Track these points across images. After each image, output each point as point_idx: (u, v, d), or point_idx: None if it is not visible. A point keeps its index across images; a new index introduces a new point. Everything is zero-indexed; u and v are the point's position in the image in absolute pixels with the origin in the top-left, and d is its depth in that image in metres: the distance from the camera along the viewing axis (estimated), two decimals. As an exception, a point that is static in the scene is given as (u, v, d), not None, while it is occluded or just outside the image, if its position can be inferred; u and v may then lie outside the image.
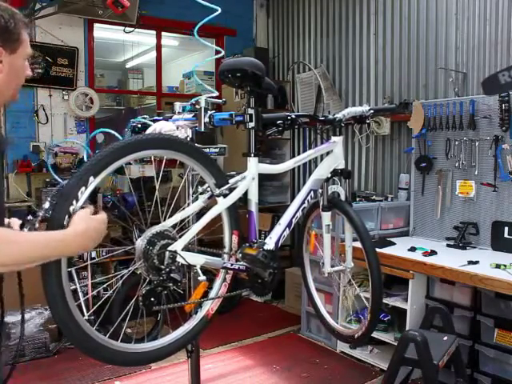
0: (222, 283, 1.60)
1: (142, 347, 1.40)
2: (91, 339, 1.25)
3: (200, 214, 1.52)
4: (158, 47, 5.20)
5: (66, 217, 1.17)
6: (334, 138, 1.88)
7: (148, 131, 2.09)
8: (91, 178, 1.23)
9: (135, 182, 3.58)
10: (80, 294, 3.39)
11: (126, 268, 1.47)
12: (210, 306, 1.58)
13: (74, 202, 1.19)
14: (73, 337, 1.24)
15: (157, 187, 1.80)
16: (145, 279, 1.38)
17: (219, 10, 1.63)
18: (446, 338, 2.46)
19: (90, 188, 1.23)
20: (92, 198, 4.24)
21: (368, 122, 1.88)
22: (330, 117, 1.87)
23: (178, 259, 1.38)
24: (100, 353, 1.28)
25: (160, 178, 1.84)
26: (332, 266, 1.92)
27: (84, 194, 1.22)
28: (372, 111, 1.86)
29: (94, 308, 1.75)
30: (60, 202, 1.18)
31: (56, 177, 2.59)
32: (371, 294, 1.78)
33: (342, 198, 1.88)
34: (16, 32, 1.20)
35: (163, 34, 5.21)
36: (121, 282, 1.60)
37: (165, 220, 1.45)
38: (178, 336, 1.50)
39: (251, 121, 1.59)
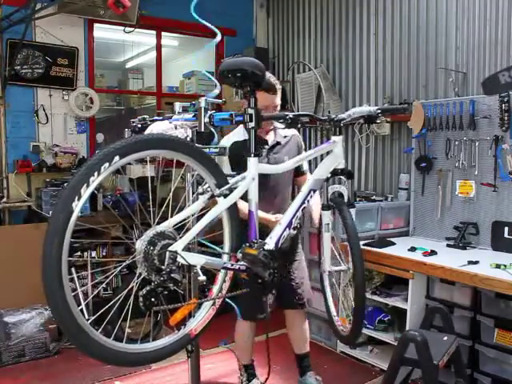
0: (210, 307, 1.61)
1: (119, 346, 1.37)
2: (86, 332, 1.24)
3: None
4: (158, 47, 5.19)
5: (85, 185, 1.20)
6: (333, 138, 1.89)
7: (147, 131, 2.09)
8: (117, 158, 1.25)
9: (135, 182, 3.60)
10: (80, 295, 3.39)
11: (126, 268, 1.48)
12: (194, 326, 1.57)
13: (96, 173, 1.22)
14: (68, 329, 1.24)
15: (172, 187, 1.80)
16: (140, 275, 1.39)
17: (219, 36, 1.67)
18: (446, 338, 2.46)
19: (114, 167, 1.26)
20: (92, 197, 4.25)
21: (379, 121, 1.87)
22: (333, 116, 1.87)
23: (179, 259, 1.38)
24: (89, 348, 1.28)
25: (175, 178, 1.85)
26: (335, 266, 1.92)
27: (107, 170, 1.25)
28: (379, 111, 1.85)
29: (91, 298, 1.75)
30: (83, 170, 1.22)
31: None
32: (354, 297, 1.77)
33: (345, 197, 1.88)
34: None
35: (163, 34, 5.20)
36: (118, 269, 1.61)
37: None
38: (157, 347, 1.47)
39: (251, 121, 1.59)
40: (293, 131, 2.73)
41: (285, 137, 2.71)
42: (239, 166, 2.25)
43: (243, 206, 2.16)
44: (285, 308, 2.87)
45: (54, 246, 1.17)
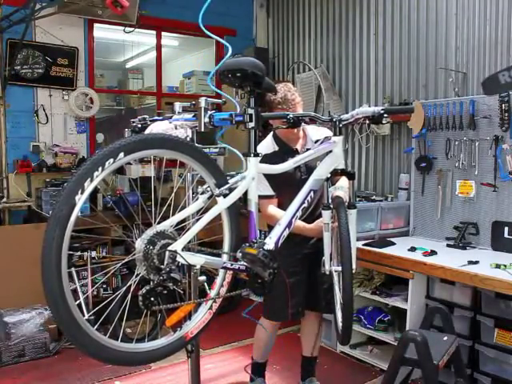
0: (207, 310, 1.61)
1: (114, 345, 1.36)
2: (81, 328, 1.24)
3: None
4: (158, 47, 5.19)
5: (89, 180, 1.21)
6: (333, 138, 1.88)
7: (147, 131, 2.10)
8: (121, 154, 1.27)
9: (135, 182, 3.61)
10: (80, 295, 3.39)
11: (126, 268, 1.48)
12: (190, 328, 1.57)
13: (100, 169, 1.23)
14: (67, 327, 1.23)
15: (175, 188, 1.80)
16: (137, 274, 1.39)
17: (230, 49, 1.67)
18: (446, 338, 2.46)
19: (118, 163, 1.26)
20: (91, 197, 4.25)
21: (385, 122, 1.84)
22: (336, 116, 1.87)
23: (178, 259, 1.38)
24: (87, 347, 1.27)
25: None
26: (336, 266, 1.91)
27: (111, 166, 1.25)
28: (383, 111, 1.81)
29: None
30: (87, 165, 1.23)
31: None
32: (342, 298, 1.74)
33: (346, 199, 1.88)
34: (273, 106, 2.45)
35: (163, 34, 5.21)
36: (118, 266, 1.62)
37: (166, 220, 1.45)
38: (153, 347, 1.46)
39: (251, 121, 1.59)
40: (324, 132, 2.51)
41: (316, 141, 2.44)
42: (272, 180, 2.34)
43: (277, 213, 2.36)
44: (310, 310, 2.78)
45: (55, 237, 1.16)
